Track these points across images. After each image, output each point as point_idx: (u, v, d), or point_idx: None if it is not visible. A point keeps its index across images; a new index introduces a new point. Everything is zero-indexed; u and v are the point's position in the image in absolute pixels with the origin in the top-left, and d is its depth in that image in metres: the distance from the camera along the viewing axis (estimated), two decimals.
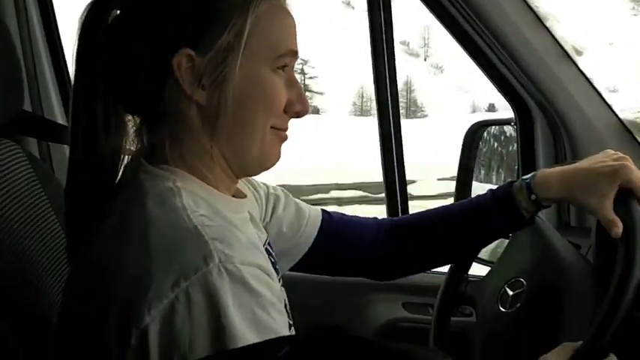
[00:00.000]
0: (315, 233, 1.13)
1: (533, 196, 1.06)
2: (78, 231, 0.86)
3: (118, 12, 0.85)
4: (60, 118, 1.68)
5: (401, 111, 1.66)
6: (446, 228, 1.14)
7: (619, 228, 0.96)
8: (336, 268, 1.19)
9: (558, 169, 1.07)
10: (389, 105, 1.64)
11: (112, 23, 0.84)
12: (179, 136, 0.84)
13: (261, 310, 0.72)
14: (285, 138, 0.90)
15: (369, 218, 1.19)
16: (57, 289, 1.10)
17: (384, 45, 1.60)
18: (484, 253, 1.35)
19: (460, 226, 1.13)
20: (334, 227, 1.15)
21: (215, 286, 0.70)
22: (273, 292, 0.75)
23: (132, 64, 0.83)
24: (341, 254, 1.16)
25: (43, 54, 1.71)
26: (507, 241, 1.29)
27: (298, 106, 0.88)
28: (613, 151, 1.04)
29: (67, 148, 0.88)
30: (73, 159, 0.84)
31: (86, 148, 0.83)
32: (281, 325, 0.75)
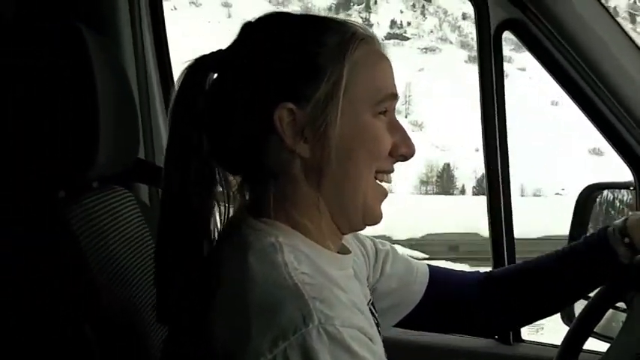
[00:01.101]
0: (424, 289, 1.11)
1: (626, 239, 1.04)
2: (168, 285, 0.85)
3: (216, 75, 0.86)
4: None
5: None
6: (542, 276, 1.12)
7: None
8: (442, 324, 1.17)
9: None
10: (499, 173, 1.59)
11: (210, 88, 0.86)
12: (283, 190, 0.84)
13: None
14: (386, 194, 0.89)
15: (471, 273, 1.17)
16: (159, 336, 1.12)
17: (496, 117, 1.55)
18: (600, 327, 1.25)
19: (556, 272, 1.11)
20: (441, 282, 1.12)
21: (314, 348, 0.69)
22: (374, 355, 0.73)
23: (232, 126, 0.84)
24: (447, 309, 1.13)
25: (157, 101, 1.78)
26: (624, 314, 1.20)
27: (403, 148, 0.87)
28: None
29: None
30: (165, 219, 0.84)
31: (179, 210, 0.82)
32: None
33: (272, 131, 0.81)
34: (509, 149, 1.63)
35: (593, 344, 1.25)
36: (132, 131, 1.21)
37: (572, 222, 1.53)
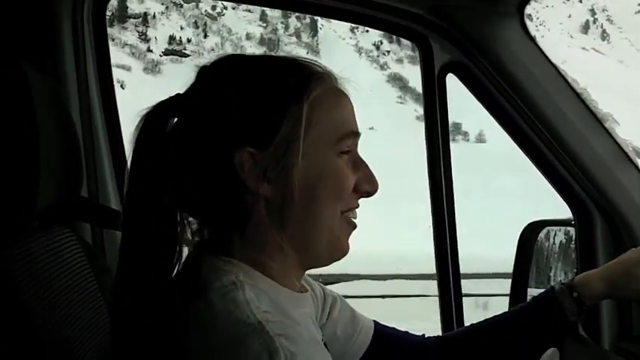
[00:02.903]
0: (368, 342, 1.10)
1: (575, 294, 1.06)
2: (125, 320, 0.83)
3: (176, 119, 0.86)
4: (114, 204, 1.71)
5: None
6: (492, 340, 1.12)
7: None
8: None
9: (597, 269, 1.10)
10: (444, 206, 1.61)
11: (171, 129, 0.85)
12: (246, 230, 0.84)
13: None
14: (354, 227, 0.89)
15: (417, 335, 1.16)
16: None
17: (442, 155, 1.59)
18: None
19: (506, 335, 1.12)
20: (385, 339, 1.12)
21: None
22: None
23: (194, 171, 0.83)
24: None
25: (102, 140, 1.75)
26: None
27: (367, 186, 0.87)
28: None
29: (119, 235, 0.88)
30: (125, 253, 0.83)
31: (139, 245, 0.81)
32: None
33: (234, 175, 0.81)
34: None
35: None
36: (75, 169, 1.18)
37: (516, 258, 1.57)
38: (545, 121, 1.33)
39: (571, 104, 1.33)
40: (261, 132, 0.81)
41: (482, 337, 1.13)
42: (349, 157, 0.86)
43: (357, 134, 0.87)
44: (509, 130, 1.43)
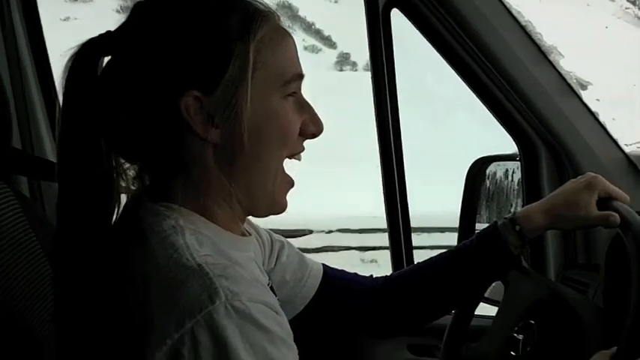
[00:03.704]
0: (318, 285, 1.10)
1: (517, 227, 1.07)
2: (67, 272, 0.80)
3: (110, 57, 0.81)
4: (51, 155, 1.64)
5: None
6: (437, 277, 1.13)
7: (615, 216, 1.00)
8: (335, 322, 1.15)
9: (538, 201, 1.11)
10: (392, 155, 1.60)
11: (104, 70, 0.80)
12: (193, 176, 0.81)
13: (273, 347, 0.69)
14: (292, 184, 0.88)
15: (365, 277, 1.17)
16: (43, 330, 1.05)
17: (388, 94, 1.57)
18: (490, 292, 1.30)
19: (450, 272, 1.12)
20: (335, 281, 1.12)
21: (222, 324, 0.67)
22: (282, 327, 0.72)
23: (132, 114, 0.79)
24: (340, 308, 1.13)
25: (34, 89, 1.68)
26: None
27: (312, 127, 0.86)
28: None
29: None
30: (62, 202, 0.80)
31: (76, 193, 0.78)
32: None
33: (178, 120, 0.77)
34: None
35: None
36: (3, 118, 1.12)
37: (464, 194, 1.58)
38: (489, 55, 1.33)
39: (515, 36, 1.32)
40: (206, 74, 0.77)
41: (429, 274, 1.14)
42: (294, 99, 0.84)
43: (302, 77, 0.85)
44: (455, 65, 1.42)
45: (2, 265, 1.02)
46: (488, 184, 1.63)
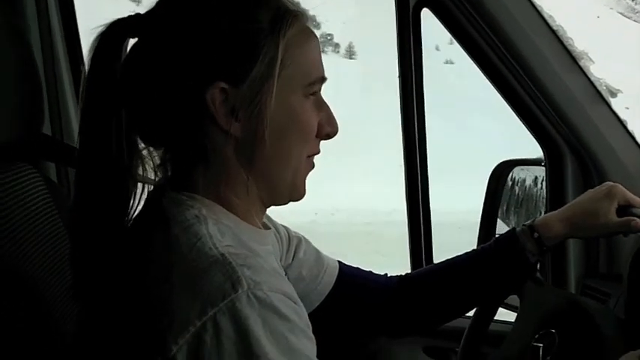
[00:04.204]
0: (334, 282, 1.10)
1: (536, 234, 1.08)
2: (84, 257, 0.82)
3: (137, 40, 0.81)
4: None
5: None
6: (453, 279, 1.13)
7: (637, 221, 1.01)
8: (349, 319, 1.16)
9: (558, 210, 1.11)
10: (417, 150, 1.60)
11: (130, 52, 0.81)
12: (213, 167, 0.81)
13: (294, 336, 0.70)
14: (313, 166, 0.88)
15: (380, 275, 1.17)
16: (68, 314, 1.07)
17: (415, 94, 1.57)
18: (509, 297, 1.29)
19: (467, 275, 1.12)
20: (350, 279, 1.12)
21: (244, 313, 0.68)
22: (301, 318, 0.73)
23: (158, 99, 0.79)
24: (354, 305, 1.13)
25: (65, 77, 1.70)
26: None
27: (328, 128, 0.86)
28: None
29: None
30: (80, 196, 0.81)
31: (95, 187, 0.79)
32: (312, 352, 0.73)
33: (204, 110, 0.78)
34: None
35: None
36: (35, 106, 1.14)
37: (486, 197, 1.57)
38: (519, 59, 1.32)
39: (546, 41, 1.31)
40: (235, 66, 0.78)
41: (445, 276, 1.14)
42: (314, 99, 0.85)
43: (324, 80, 0.86)
44: (483, 67, 1.41)
45: (28, 246, 1.04)
46: (517, 190, 1.62)
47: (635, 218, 1.01)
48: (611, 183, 1.08)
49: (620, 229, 1.03)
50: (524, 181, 1.64)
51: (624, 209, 1.04)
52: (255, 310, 0.68)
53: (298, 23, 0.82)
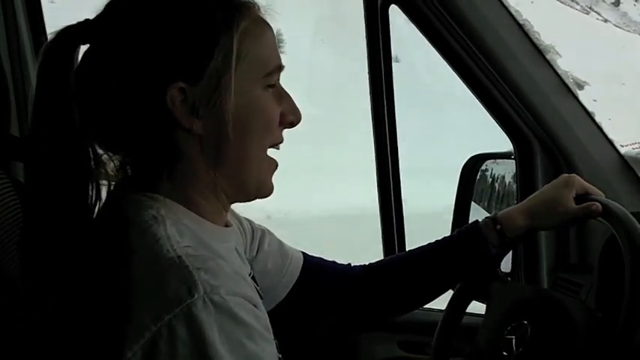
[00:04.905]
0: (298, 273, 1.10)
1: (498, 226, 1.09)
2: (36, 259, 0.78)
3: (88, 47, 0.80)
4: None
5: None
6: (413, 268, 1.14)
7: (597, 205, 1.01)
8: (314, 311, 1.15)
9: (520, 202, 1.12)
10: (387, 138, 1.61)
11: (82, 61, 0.79)
12: (178, 167, 0.81)
13: (250, 341, 0.69)
14: (277, 165, 0.88)
15: (344, 264, 1.17)
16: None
17: (384, 90, 1.57)
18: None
19: (427, 264, 1.13)
20: (314, 269, 1.12)
21: (200, 318, 0.67)
22: (260, 322, 0.72)
23: (113, 104, 0.78)
24: (319, 297, 1.13)
25: (32, 77, 1.66)
26: None
27: (291, 116, 0.86)
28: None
29: None
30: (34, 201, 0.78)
31: (49, 192, 0.77)
32: (270, 356, 0.72)
33: (164, 111, 0.77)
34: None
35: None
36: (3, 106, 1.12)
37: (458, 191, 1.58)
38: (487, 52, 1.33)
39: (513, 35, 1.32)
40: (191, 64, 0.77)
41: (406, 265, 1.15)
42: (274, 89, 0.84)
43: (282, 68, 0.85)
44: (452, 62, 1.42)
45: None
46: (497, 187, 1.64)
47: (596, 202, 1.02)
48: (568, 174, 1.10)
49: (579, 214, 1.04)
50: (503, 177, 1.66)
51: (582, 198, 1.06)
52: (212, 316, 0.67)
53: (251, 15, 0.81)
